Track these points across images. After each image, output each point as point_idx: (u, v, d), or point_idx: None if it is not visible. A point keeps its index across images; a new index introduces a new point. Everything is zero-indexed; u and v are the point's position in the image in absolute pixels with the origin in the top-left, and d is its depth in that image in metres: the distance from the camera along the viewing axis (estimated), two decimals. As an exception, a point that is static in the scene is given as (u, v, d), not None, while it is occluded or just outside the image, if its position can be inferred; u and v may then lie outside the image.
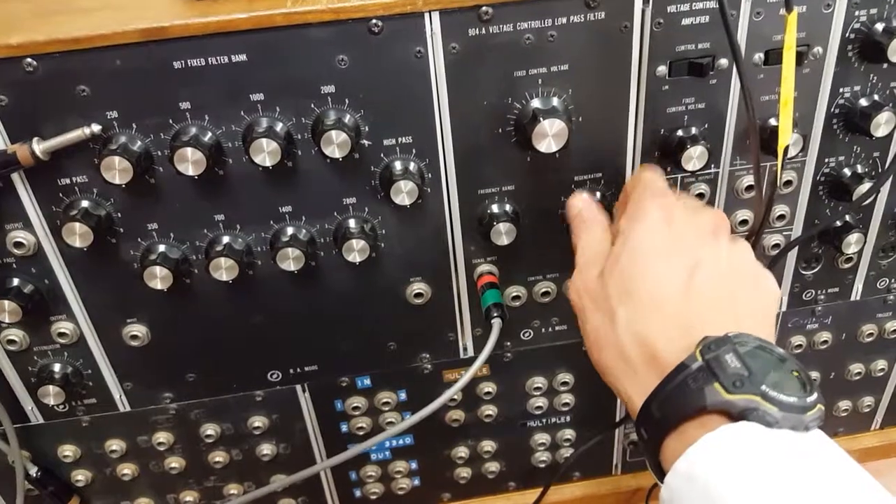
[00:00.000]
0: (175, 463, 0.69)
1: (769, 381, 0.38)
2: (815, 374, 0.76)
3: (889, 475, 0.90)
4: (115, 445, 0.67)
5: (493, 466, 0.76)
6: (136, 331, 0.59)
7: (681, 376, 0.40)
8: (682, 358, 0.41)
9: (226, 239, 0.56)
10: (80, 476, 0.69)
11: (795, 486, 0.35)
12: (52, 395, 0.60)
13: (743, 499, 0.35)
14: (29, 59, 0.47)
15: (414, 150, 0.55)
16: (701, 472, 0.37)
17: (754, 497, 0.35)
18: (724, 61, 0.54)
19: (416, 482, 0.77)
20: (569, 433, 0.75)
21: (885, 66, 0.56)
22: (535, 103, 0.53)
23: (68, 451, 0.67)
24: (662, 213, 0.48)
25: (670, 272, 0.45)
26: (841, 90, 0.57)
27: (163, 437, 0.67)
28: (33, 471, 0.67)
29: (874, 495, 0.36)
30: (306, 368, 0.65)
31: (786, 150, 0.48)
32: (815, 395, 0.39)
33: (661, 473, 0.42)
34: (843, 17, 0.54)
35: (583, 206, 0.55)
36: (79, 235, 0.52)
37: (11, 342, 0.59)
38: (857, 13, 0.54)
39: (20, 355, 0.60)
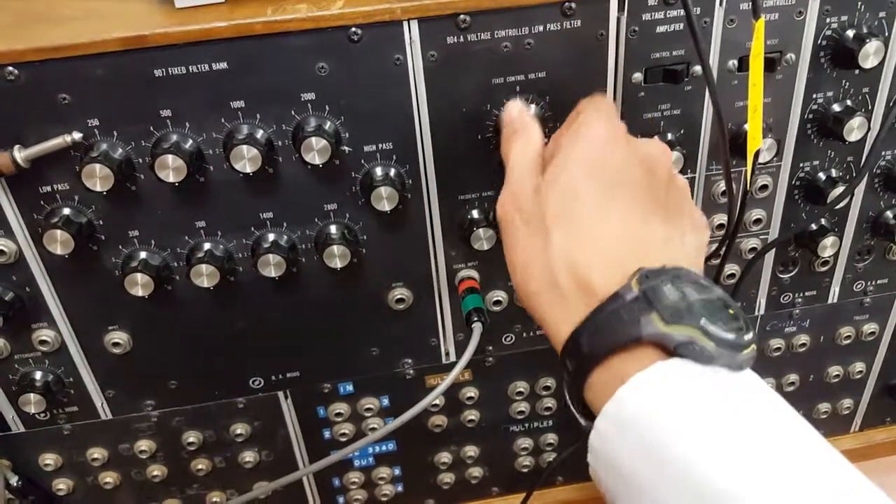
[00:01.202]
0: (157, 471, 0.69)
1: (708, 315, 0.36)
2: (794, 377, 0.77)
3: (869, 477, 0.91)
4: (97, 454, 0.67)
5: (476, 471, 0.77)
6: (118, 338, 0.59)
7: (614, 305, 0.38)
8: (615, 288, 0.38)
9: (207, 245, 0.56)
10: (62, 485, 0.69)
11: (731, 426, 0.34)
12: (33, 403, 0.60)
13: (677, 440, 0.34)
14: (10, 68, 0.48)
15: (394, 157, 0.55)
16: (632, 413, 0.36)
17: (688, 438, 0.34)
18: (698, 68, 0.55)
19: (400, 488, 0.77)
20: (551, 437, 0.76)
21: (857, 72, 0.57)
22: (514, 110, 0.54)
23: (49, 459, 0.67)
24: (610, 132, 0.45)
25: (611, 199, 0.42)
26: (814, 96, 0.58)
27: (145, 445, 0.67)
28: (14, 480, 0.66)
29: (806, 434, 0.35)
30: (288, 375, 0.65)
31: (756, 155, 0.49)
32: (750, 334, 0.37)
33: (584, 410, 0.40)
34: (814, 23, 0.55)
35: (517, 113, 0.50)
36: (60, 243, 0.52)
37: (-8, 350, 0.59)
38: (828, 20, 0.55)
39: (1, 364, 0.60)
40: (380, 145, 0.54)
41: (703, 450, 0.33)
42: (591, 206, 0.42)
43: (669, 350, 0.36)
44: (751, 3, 0.46)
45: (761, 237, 0.65)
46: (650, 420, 0.35)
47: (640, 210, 0.42)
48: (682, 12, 0.53)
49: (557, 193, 0.43)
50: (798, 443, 0.34)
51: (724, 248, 0.58)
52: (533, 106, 0.54)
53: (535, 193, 0.44)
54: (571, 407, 0.42)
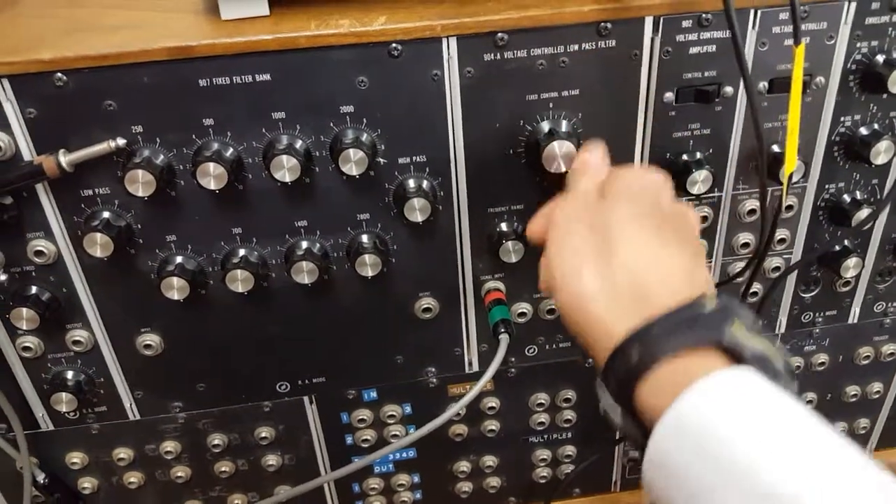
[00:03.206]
0: (181, 472, 0.70)
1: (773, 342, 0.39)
2: (811, 396, 0.77)
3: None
4: (123, 453, 0.68)
5: (494, 481, 0.77)
6: (150, 340, 0.61)
7: (692, 310, 0.39)
8: (677, 304, 0.40)
9: (242, 251, 0.57)
10: (87, 483, 0.70)
11: (793, 434, 0.34)
12: (64, 402, 0.61)
13: (739, 447, 0.34)
14: (59, 74, 0.49)
15: (427, 169, 0.56)
16: (695, 420, 0.35)
17: (751, 445, 0.34)
18: (729, 89, 0.56)
19: (418, 495, 0.78)
20: (570, 449, 0.76)
21: (885, 96, 0.58)
22: (546, 126, 0.55)
23: (76, 458, 0.68)
24: (662, 182, 0.47)
25: (665, 234, 0.44)
26: (842, 119, 0.59)
27: (170, 446, 0.68)
28: (41, 477, 0.67)
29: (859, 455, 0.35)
30: (314, 380, 0.66)
31: (790, 176, 0.49)
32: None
33: (627, 411, 0.40)
34: (844, 48, 0.56)
35: (594, 158, 0.51)
36: (99, 245, 0.53)
37: (27, 349, 0.60)
38: (858, 45, 0.56)
39: (34, 362, 0.61)
40: (414, 158, 0.55)
41: (765, 455, 0.33)
42: (650, 233, 0.44)
43: (741, 360, 0.37)
44: (792, 29, 0.46)
45: (784, 256, 0.66)
46: (713, 427, 0.35)
47: (688, 253, 0.45)
48: (714, 34, 0.54)
49: (622, 211, 0.45)
50: (857, 460, 0.34)
51: (752, 267, 0.59)
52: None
53: (600, 205, 0.46)
54: (608, 405, 0.42)
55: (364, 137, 0.53)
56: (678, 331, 0.38)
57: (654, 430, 0.37)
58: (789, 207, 0.63)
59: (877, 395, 0.78)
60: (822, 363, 0.75)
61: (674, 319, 0.39)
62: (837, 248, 0.66)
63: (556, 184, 0.58)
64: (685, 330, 0.38)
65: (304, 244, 0.57)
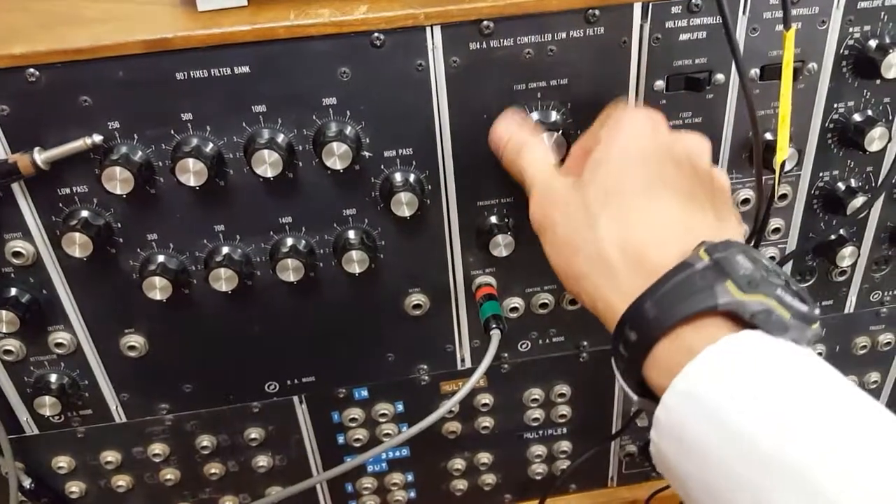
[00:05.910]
0: (170, 475, 0.69)
1: (783, 286, 0.36)
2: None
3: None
4: (111, 457, 0.67)
5: (489, 478, 0.76)
6: (134, 341, 0.59)
7: (683, 274, 0.37)
8: (674, 261, 0.38)
9: (225, 249, 0.56)
10: (75, 488, 0.69)
11: (801, 401, 0.33)
12: (47, 405, 0.60)
13: (748, 416, 0.33)
14: (31, 69, 0.47)
15: (414, 162, 0.55)
16: (703, 389, 0.35)
17: (759, 413, 0.33)
18: (720, 76, 0.55)
19: (412, 494, 0.77)
20: (565, 445, 0.76)
21: (879, 81, 0.57)
22: (535, 116, 0.54)
23: (63, 462, 0.67)
24: (650, 124, 0.45)
25: (656, 185, 0.42)
26: (835, 105, 0.58)
27: (158, 449, 0.67)
28: (27, 482, 0.66)
29: (875, 409, 0.34)
30: (304, 380, 0.65)
31: (783, 164, 0.48)
32: (817, 310, 0.37)
33: (639, 388, 0.39)
34: (837, 33, 0.55)
35: (516, 128, 0.51)
36: (78, 245, 0.52)
37: (8, 352, 0.58)
38: (851, 30, 0.55)
39: (16, 366, 0.60)
40: (400, 151, 0.54)
41: (774, 424, 0.32)
42: (637, 190, 0.42)
43: (743, 319, 0.36)
44: (782, 13, 0.45)
45: (779, 246, 0.65)
46: (721, 397, 0.34)
47: (686, 195, 0.42)
48: (705, 20, 0.53)
49: (600, 181, 0.43)
50: (869, 417, 0.33)
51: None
52: (535, 114, 0.54)
53: (572, 189, 0.44)
54: (623, 383, 0.41)
55: (348, 130, 0.52)
56: (672, 300, 0.37)
57: (661, 404, 0.36)
58: (783, 196, 0.62)
59: (874, 385, 0.78)
60: (819, 353, 0.74)
61: (666, 288, 0.37)
62: (833, 236, 0.65)
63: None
64: (680, 298, 0.37)
65: (289, 241, 0.56)
